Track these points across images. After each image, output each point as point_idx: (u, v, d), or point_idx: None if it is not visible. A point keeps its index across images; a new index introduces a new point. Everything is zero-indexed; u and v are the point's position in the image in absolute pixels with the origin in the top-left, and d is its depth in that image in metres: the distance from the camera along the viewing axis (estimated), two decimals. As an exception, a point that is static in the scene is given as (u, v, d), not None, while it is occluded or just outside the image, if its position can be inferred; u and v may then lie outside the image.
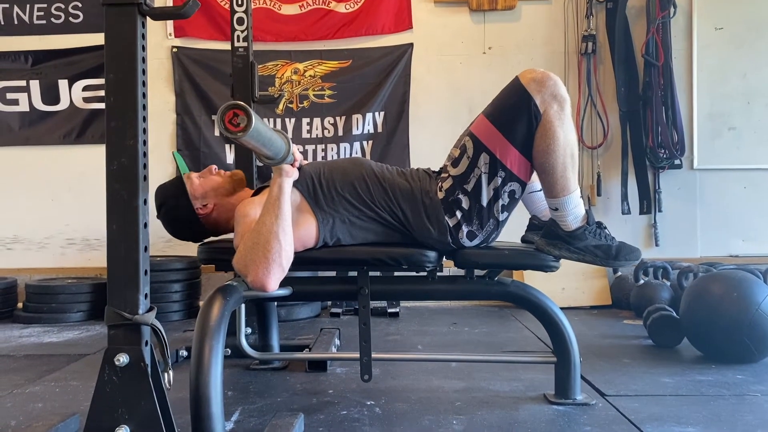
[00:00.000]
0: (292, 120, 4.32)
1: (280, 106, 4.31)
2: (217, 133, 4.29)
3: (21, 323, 3.64)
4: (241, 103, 1.24)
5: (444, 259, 1.97)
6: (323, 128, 4.31)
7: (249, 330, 2.67)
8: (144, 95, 1.44)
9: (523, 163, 1.79)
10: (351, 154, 4.29)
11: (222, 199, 1.94)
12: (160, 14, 1.43)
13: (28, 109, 4.27)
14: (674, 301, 3.55)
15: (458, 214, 1.83)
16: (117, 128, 1.42)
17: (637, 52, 4.19)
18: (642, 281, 3.67)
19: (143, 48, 1.44)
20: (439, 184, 1.87)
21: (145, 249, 1.43)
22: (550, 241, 1.86)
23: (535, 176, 1.90)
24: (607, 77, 4.31)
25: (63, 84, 4.25)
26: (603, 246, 1.83)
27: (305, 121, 4.32)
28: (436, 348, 2.85)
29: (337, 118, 4.31)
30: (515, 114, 1.75)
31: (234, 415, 1.89)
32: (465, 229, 1.84)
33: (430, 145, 4.27)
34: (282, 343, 2.64)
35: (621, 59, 4.20)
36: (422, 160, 4.24)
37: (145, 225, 1.44)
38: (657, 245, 4.27)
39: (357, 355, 2.01)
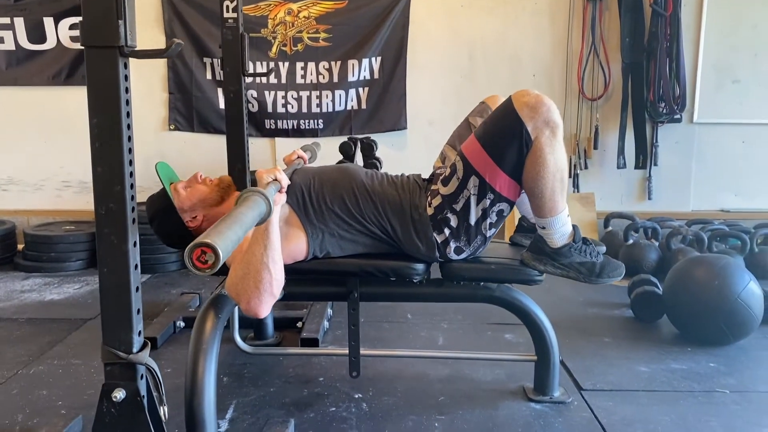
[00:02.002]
0: (286, 64, 4.19)
1: (273, 49, 4.17)
2: (209, 76, 4.19)
3: (21, 271, 3.73)
4: (208, 241, 1.07)
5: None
6: (318, 73, 4.19)
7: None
8: (129, 138, 1.42)
9: (512, 185, 1.79)
10: (347, 102, 4.21)
11: (211, 210, 1.92)
12: (143, 56, 1.39)
13: (14, 48, 4.13)
14: (661, 261, 3.64)
15: (446, 231, 1.85)
16: (103, 174, 1.41)
17: (646, 1, 4.02)
18: (631, 240, 3.74)
19: (126, 90, 1.41)
20: (429, 199, 1.88)
21: (137, 289, 1.47)
22: (536, 255, 1.90)
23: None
24: (612, 26, 4.15)
25: (48, 22, 4.09)
26: (587, 263, 1.86)
27: (299, 65, 4.19)
28: (425, 317, 2.95)
29: (332, 63, 4.18)
30: (506, 139, 1.73)
31: (228, 411, 2.00)
32: (453, 245, 1.87)
33: (429, 95, 4.20)
34: (276, 315, 2.73)
35: (628, 7, 4.04)
36: (419, 111, 4.21)
37: (136, 266, 1.46)
38: (650, 199, 4.29)
39: (346, 351, 2.10)
